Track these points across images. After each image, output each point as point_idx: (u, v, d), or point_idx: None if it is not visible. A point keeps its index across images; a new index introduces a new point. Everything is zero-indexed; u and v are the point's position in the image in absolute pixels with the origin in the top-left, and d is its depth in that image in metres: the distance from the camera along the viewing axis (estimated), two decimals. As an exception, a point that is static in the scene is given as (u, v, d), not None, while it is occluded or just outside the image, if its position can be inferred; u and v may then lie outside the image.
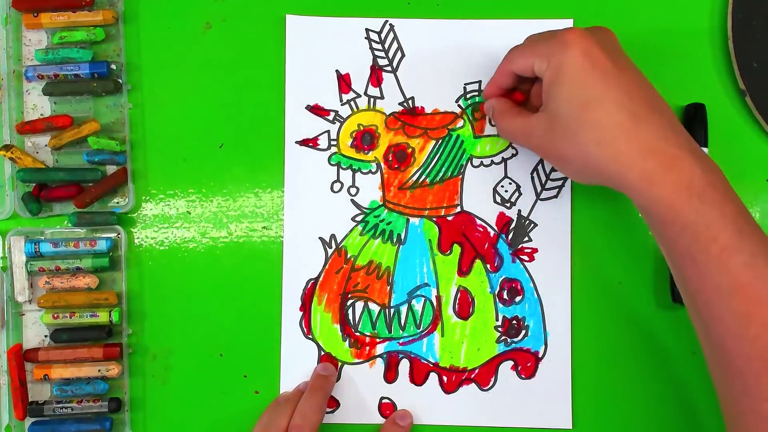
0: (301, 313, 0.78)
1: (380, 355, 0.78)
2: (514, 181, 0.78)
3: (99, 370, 0.77)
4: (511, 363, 0.77)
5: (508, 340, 0.77)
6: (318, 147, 0.79)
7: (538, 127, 0.67)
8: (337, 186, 0.78)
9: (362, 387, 0.78)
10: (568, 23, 0.78)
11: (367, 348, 0.78)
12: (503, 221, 0.78)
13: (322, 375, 0.77)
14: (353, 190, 0.78)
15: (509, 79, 0.72)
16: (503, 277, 0.78)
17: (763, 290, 0.58)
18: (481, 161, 0.78)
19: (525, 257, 0.78)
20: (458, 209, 0.78)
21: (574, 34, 0.63)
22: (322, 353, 0.78)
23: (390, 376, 0.78)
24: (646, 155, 0.60)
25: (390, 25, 0.79)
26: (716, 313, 0.60)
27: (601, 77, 0.62)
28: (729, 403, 0.62)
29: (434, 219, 0.78)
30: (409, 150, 0.78)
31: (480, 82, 0.78)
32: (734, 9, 0.77)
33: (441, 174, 0.78)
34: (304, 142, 0.79)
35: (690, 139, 0.63)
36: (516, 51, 0.70)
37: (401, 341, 0.78)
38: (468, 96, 0.78)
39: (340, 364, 0.78)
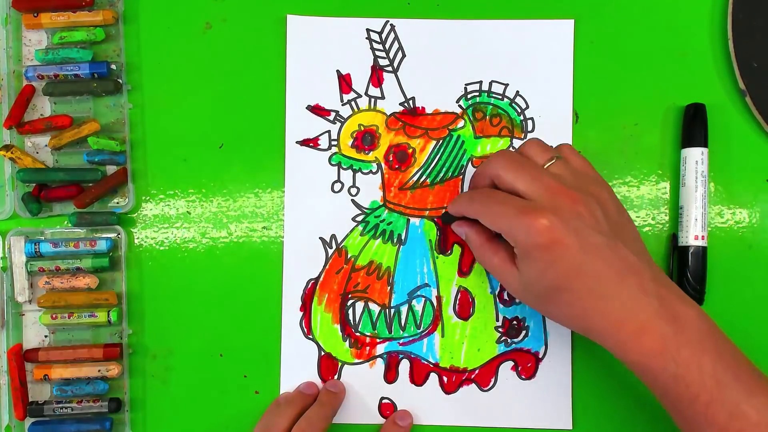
0: (302, 313, 0.78)
1: (380, 356, 0.78)
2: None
3: (99, 370, 0.77)
4: (511, 363, 0.77)
5: (509, 340, 0.77)
6: (318, 147, 0.79)
7: (513, 282, 0.67)
8: (337, 186, 0.78)
9: (362, 387, 0.78)
10: (569, 24, 0.78)
11: (368, 348, 0.78)
12: (504, 221, 0.78)
13: (332, 392, 0.77)
14: (354, 191, 0.78)
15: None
16: (504, 277, 0.78)
17: None
18: (482, 161, 0.78)
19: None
20: (459, 209, 0.78)
21: (539, 225, 0.62)
22: (323, 353, 0.78)
23: (390, 376, 0.78)
24: (617, 328, 0.62)
25: (391, 25, 0.79)
26: None
27: (567, 267, 0.62)
28: None
29: (435, 219, 0.78)
30: (410, 150, 0.78)
31: (480, 82, 0.78)
32: (734, 9, 0.77)
33: (441, 174, 0.78)
34: (305, 142, 0.79)
35: (662, 291, 0.63)
36: (480, 211, 0.68)
37: (401, 341, 0.78)
38: (469, 96, 0.78)
39: (340, 364, 0.78)
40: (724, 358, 0.60)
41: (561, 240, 0.62)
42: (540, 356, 0.77)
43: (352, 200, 0.78)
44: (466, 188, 0.78)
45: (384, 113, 0.79)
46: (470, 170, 0.78)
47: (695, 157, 0.75)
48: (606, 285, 0.62)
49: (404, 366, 0.78)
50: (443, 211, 0.78)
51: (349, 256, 0.78)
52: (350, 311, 0.78)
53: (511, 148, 0.78)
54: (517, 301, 0.77)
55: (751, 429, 0.58)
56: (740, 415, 0.59)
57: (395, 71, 0.79)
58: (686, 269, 0.75)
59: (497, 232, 0.66)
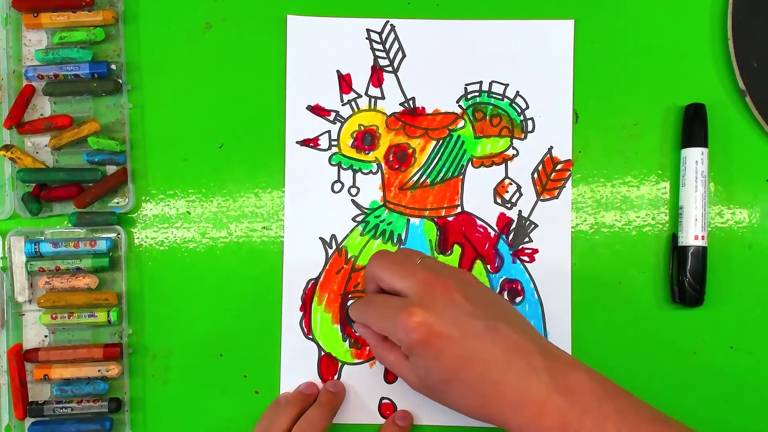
0: (302, 313, 0.78)
1: (380, 356, 0.78)
2: (514, 182, 0.78)
3: (99, 370, 0.77)
4: (511, 363, 0.77)
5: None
6: (319, 147, 0.79)
7: (410, 376, 0.67)
8: (337, 186, 0.78)
9: (362, 387, 0.78)
10: (569, 24, 0.78)
11: (368, 348, 0.78)
12: (504, 222, 0.78)
13: (332, 392, 0.77)
14: (354, 191, 0.78)
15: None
16: (504, 277, 0.78)
17: None
18: (482, 162, 0.78)
19: (525, 258, 0.78)
20: (459, 210, 0.78)
21: (414, 322, 0.63)
22: (323, 353, 0.78)
23: (390, 376, 0.78)
24: (514, 411, 0.61)
25: (391, 25, 0.79)
26: None
27: (452, 358, 0.62)
28: None
29: (435, 219, 0.78)
30: (410, 150, 0.78)
31: (481, 82, 0.78)
32: (734, 9, 0.77)
33: (441, 174, 0.78)
34: (305, 143, 0.79)
35: (556, 366, 0.62)
36: (365, 317, 0.70)
37: (401, 341, 0.78)
38: (469, 96, 0.78)
39: (340, 364, 0.78)
40: (626, 418, 0.60)
41: (439, 333, 0.62)
42: (540, 356, 0.77)
43: (352, 200, 0.78)
44: (466, 188, 0.78)
45: (384, 113, 0.79)
46: (470, 170, 0.78)
47: (695, 157, 0.75)
48: (495, 369, 0.62)
49: (404, 366, 0.78)
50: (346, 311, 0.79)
51: (349, 256, 0.78)
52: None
53: (511, 149, 0.78)
54: (517, 301, 0.77)
55: None
56: None
57: (395, 71, 0.79)
58: (686, 269, 0.75)
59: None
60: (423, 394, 0.68)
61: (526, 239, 0.78)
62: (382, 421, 0.78)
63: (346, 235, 0.78)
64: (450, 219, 0.78)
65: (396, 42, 0.79)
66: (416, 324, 0.62)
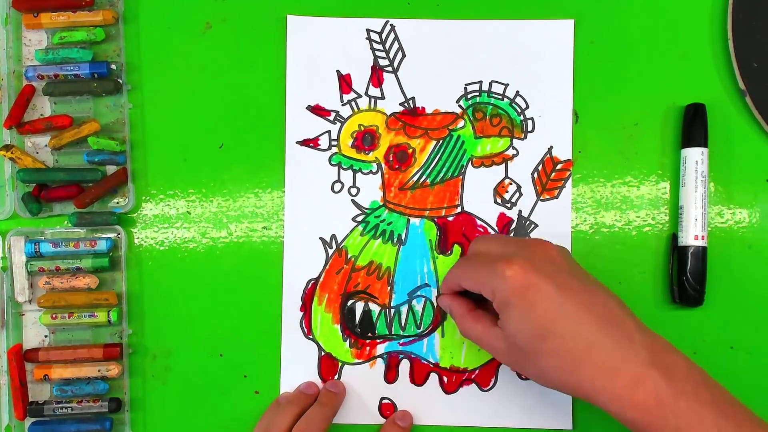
0: (302, 313, 0.78)
1: (380, 356, 0.78)
2: (514, 182, 0.78)
3: (99, 370, 0.77)
4: (511, 363, 0.77)
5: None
6: (319, 147, 0.79)
7: (498, 343, 0.66)
8: (337, 186, 0.78)
9: (362, 387, 0.78)
10: (569, 24, 0.78)
11: (368, 348, 0.78)
12: (504, 222, 0.78)
13: (332, 392, 0.77)
14: (354, 191, 0.78)
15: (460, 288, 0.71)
16: (504, 277, 0.78)
17: None
18: (482, 161, 0.78)
19: (525, 258, 0.78)
20: (459, 210, 0.78)
21: (513, 270, 0.62)
22: (323, 353, 0.78)
23: (390, 376, 0.78)
24: (609, 378, 0.60)
25: (391, 25, 0.79)
26: None
27: (547, 308, 0.61)
28: None
29: (435, 219, 0.78)
30: (410, 150, 0.78)
31: (481, 82, 0.78)
32: (734, 9, 0.77)
33: (441, 174, 0.78)
34: (305, 143, 0.79)
35: (650, 342, 0.62)
36: (460, 273, 0.69)
37: (401, 341, 0.78)
38: (469, 96, 0.78)
39: (340, 364, 0.78)
40: (724, 409, 0.59)
41: (536, 283, 0.62)
42: (540, 356, 0.77)
43: (352, 200, 0.78)
44: (466, 188, 0.78)
45: (384, 113, 0.79)
46: (470, 170, 0.78)
47: (695, 157, 0.75)
48: (589, 330, 0.61)
49: (404, 366, 0.78)
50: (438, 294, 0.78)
51: (349, 257, 0.78)
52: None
53: (511, 149, 0.78)
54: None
55: None
56: None
57: (395, 71, 0.79)
58: (686, 269, 0.75)
59: (479, 293, 0.66)
60: (510, 365, 0.68)
61: (527, 239, 0.78)
62: (382, 421, 0.78)
63: (346, 235, 0.79)
64: (450, 219, 0.78)
65: (396, 42, 0.79)
66: (515, 272, 0.62)
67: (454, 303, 0.71)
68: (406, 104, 0.79)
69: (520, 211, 0.78)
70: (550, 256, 0.65)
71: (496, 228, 0.78)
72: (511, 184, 0.78)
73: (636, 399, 0.59)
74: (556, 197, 0.78)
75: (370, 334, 0.78)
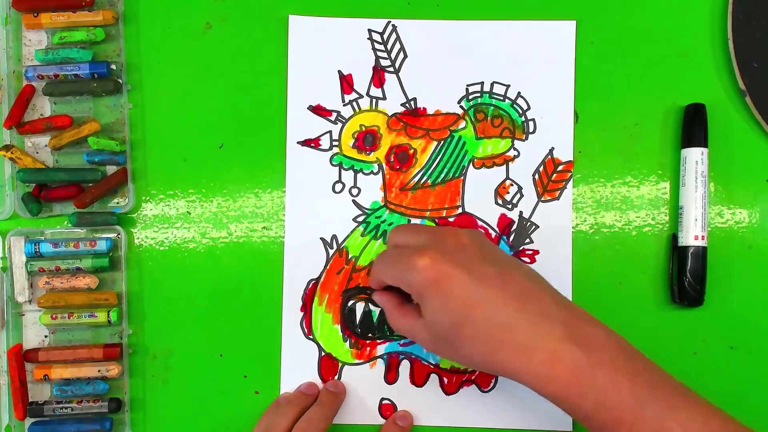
0: (302, 313, 0.78)
1: (381, 356, 0.78)
2: (515, 183, 0.78)
3: (99, 371, 0.77)
4: (512, 364, 0.77)
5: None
6: (320, 147, 0.79)
7: (423, 334, 0.67)
8: (338, 186, 0.78)
9: (363, 388, 0.78)
10: (570, 24, 0.78)
11: (368, 349, 0.78)
12: (504, 223, 0.78)
13: (332, 392, 0.77)
14: (355, 191, 0.78)
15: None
16: (504, 278, 0.78)
17: None
18: (483, 162, 0.78)
19: (526, 259, 0.77)
20: (460, 210, 0.78)
21: (425, 261, 0.63)
22: (323, 354, 0.78)
23: (390, 376, 0.78)
24: (528, 356, 0.60)
25: (392, 25, 0.79)
26: None
27: (462, 298, 0.62)
28: None
29: (436, 220, 0.78)
30: (411, 151, 0.78)
31: (482, 83, 0.78)
32: (734, 9, 0.77)
33: (442, 175, 0.78)
34: (306, 143, 0.79)
35: (567, 316, 0.62)
36: (380, 270, 0.70)
37: (402, 342, 0.78)
38: (470, 97, 0.78)
39: (340, 364, 0.78)
40: (641, 376, 0.60)
41: (448, 273, 0.62)
42: (540, 357, 0.77)
43: (353, 201, 0.78)
44: (467, 189, 0.78)
45: (385, 114, 0.79)
46: (471, 171, 0.78)
47: (695, 157, 0.75)
48: (505, 312, 0.61)
49: (404, 367, 0.78)
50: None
51: (349, 257, 0.78)
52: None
53: (512, 150, 0.78)
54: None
55: None
56: (666, 429, 0.58)
57: (397, 72, 0.79)
58: (686, 269, 0.75)
59: (397, 286, 0.67)
60: (437, 353, 0.69)
61: (527, 240, 0.78)
62: (382, 421, 0.78)
63: (347, 236, 0.78)
64: (451, 220, 0.78)
65: (397, 42, 0.79)
66: (426, 263, 0.62)
67: (383, 299, 0.72)
68: (407, 105, 0.79)
69: (521, 212, 0.78)
70: (461, 244, 0.65)
71: (497, 229, 0.78)
72: (512, 185, 0.78)
73: (554, 374, 0.59)
74: (557, 198, 0.78)
75: (370, 335, 0.78)
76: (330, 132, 0.79)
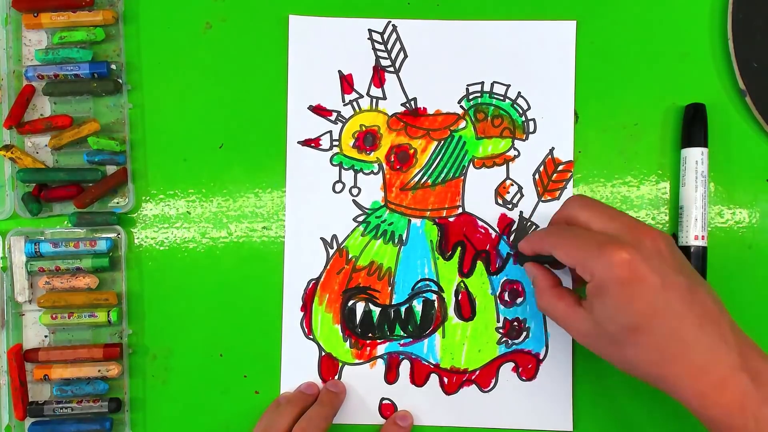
0: (302, 313, 0.78)
1: (381, 356, 0.78)
2: (515, 183, 0.78)
3: (99, 370, 0.77)
4: (511, 365, 0.77)
5: (509, 341, 0.78)
6: (320, 147, 0.79)
7: (582, 325, 0.65)
8: (338, 186, 0.78)
9: (363, 387, 0.78)
10: (571, 25, 0.78)
11: (368, 349, 0.78)
12: (505, 223, 0.78)
13: (332, 392, 0.77)
14: (355, 191, 0.78)
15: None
16: (504, 278, 0.78)
17: None
18: (483, 162, 0.78)
19: (526, 258, 0.78)
20: (460, 210, 0.78)
21: (621, 257, 0.60)
22: (323, 353, 0.78)
23: (391, 376, 0.78)
24: (698, 377, 0.59)
25: (393, 25, 0.79)
26: None
27: (647, 303, 0.60)
28: None
29: (436, 220, 0.78)
30: (411, 151, 0.78)
31: (482, 83, 0.78)
32: (734, 9, 0.77)
33: (443, 175, 0.78)
34: (306, 143, 0.79)
35: (742, 346, 0.60)
36: (556, 243, 0.66)
37: (402, 342, 0.78)
38: (470, 97, 0.78)
39: (340, 364, 0.78)
40: None
41: (642, 276, 0.60)
42: (541, 357, 0.77)
43: (354, 200, 0.78)
44: (467, 189, 0.78)
45: (386, 114, 0.79)
46: (471, 171, 0.78)
47: (695, 157, 0.75)
48: (687, 329, 0.60)
49: (405, 367, 0.78)
50: (516, 251, 0.77)
51: (350, 257, 0.78)
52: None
53: (512, 150, 0.78)
54: (518, 302, 0.78)
55: None
56: None
57: (397, 72, 0.79)
58: (686, 269, 0.75)
59: (571, 266, 0.65)
60: (589, 347, 0.66)
61: (528, 240, 0.78)
62: (382, 421, 0.78)
63: (347, 236, 0.78)
64: (451, 219, 0.78)
65: (398, 42, 0.79)
66: (623, 260, 0.60)
67: (538, 273, 0.70)
68: (407, 105, 0.79)
69: (521, 212, 0.78)
70: (658, 248, 0.63)
71: (497, 229, 0.78)
72: (512, 185, 0.78)
73: (722, 400, 0.58)
74: (558, 198, 0.78)
75: (370, 335, 0.78)
76: (330, 132, 0.79)
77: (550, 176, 0.78)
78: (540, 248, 0.69)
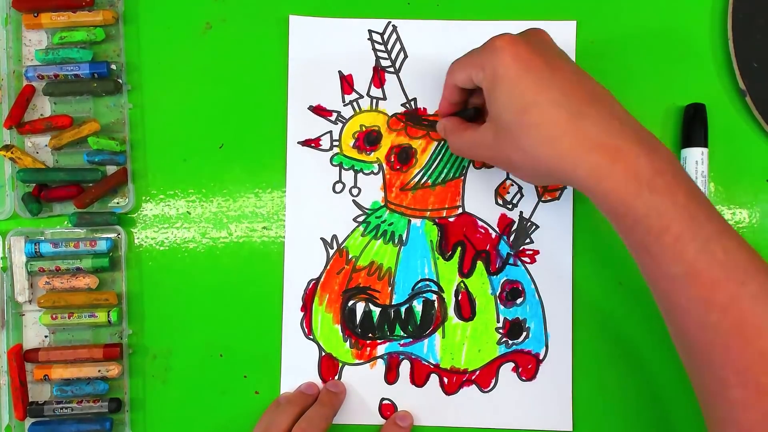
0: (302, 313, 0.78)
1: (381, 356, 0.78)
2: (515, 183, 0.78)
3: (99, 371, 0.77)
4: (511, 365, 0.77)
5: (509, 341, 0.78)
6: (320, 147, 0.79)
7: (485, 137, 0.67)
8: (339, 186, 0.78)
9: (363, 388, 0.78)
10: (571, 25, 0.78)
11: (368, 349, 0.78)
12: (505, 223, 0.78)
13: (333, 392, 0.77)
14: (355, 191, 0.78)
15: (456, 94, 0.72)
16: (504, 278, 0.78)
17: (719, 275, 0.57)
18: (483, 162, 0.78)
19: (526, 259, 0.78)
20: (460, 210, 0.78)
21: (503, 40, 0.63)
22: (323, 354, 0.78)
23: (391, 377, 0.78)
24: (590, 150, 0.60)
25: (393, 26, 0.78)
26: (677, 301, 0.60)
27: (534, 79, 0.62)
28: (700, 388, 0.62)
29: (436, 220, 0.78)
30: (411, 151, 0.78)
31: (483, 83, 0.78)
32: (734, 9, 0.77)
33: (443, 175, 0.78)
34: (307, 143, 0.79)
35: (636, 126, 0.62)
36: (455, 64, 0.70)
37: (402, 342, 0.78)
38: (470, 97, 0.78)
39: (340, 364, 0.78)
40: (697, 197, 0.60)
41: (525, 56, 0.62)
42: (540, 357, 0.77)
43: (354, 201, 0.78)
44: (467, 189, 0.78)
45: (386, 114, 0.79)
46: (471, 171, 0.78)
47: (695, 157, 0.75)
48: (576, 101, 0.61)
49: (405, 367, 0.78)
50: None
51: (350, 257, 0.78)
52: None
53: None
54: (518, 302, 0.78)
55: (717, 267, 0.57)
56: (708, 252, 0.58)
57: (397, 72, 0.79)
58: (686, 269, 0.75)
59: (471, 84, 0.68)
60: (496, 159, 0.68)
61: (527, 240, 0.78)
62: (382, 421, 0.78)
63: (347, 236, 0.78)
64: (451, 220, 0.78)
65: (398, 43, 0.79)
66: (505, 42, 0.63)
67: (448, 120, 0.73)
68: (407, 105, 0.79)
69: (521, 212, 0.78)
70: (544, 39, 0.66)
71: (497, 229, 0.78)
72: (512, 185, 0.78)
73: (615, 171, 0.59)
74: (558, 198, 0.78)
75: (370, 335, 0.78)
76: (330, 132, 0.79)
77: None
78: (448, 90, 0.72)
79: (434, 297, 0.78)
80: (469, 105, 0.74)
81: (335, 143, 0.79)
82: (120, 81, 0.78)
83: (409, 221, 0.78)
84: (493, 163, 0.73)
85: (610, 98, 0.64)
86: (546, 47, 0.65)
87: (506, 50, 0.62)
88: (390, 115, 0.79)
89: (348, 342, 0.78)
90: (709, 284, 0.58)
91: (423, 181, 0.78)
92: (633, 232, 0.60)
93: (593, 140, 0.60)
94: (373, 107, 0.79)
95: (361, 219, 0.78)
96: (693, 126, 0.76)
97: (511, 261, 0.78)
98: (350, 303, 0.78)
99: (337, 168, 0.79)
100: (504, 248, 0.78)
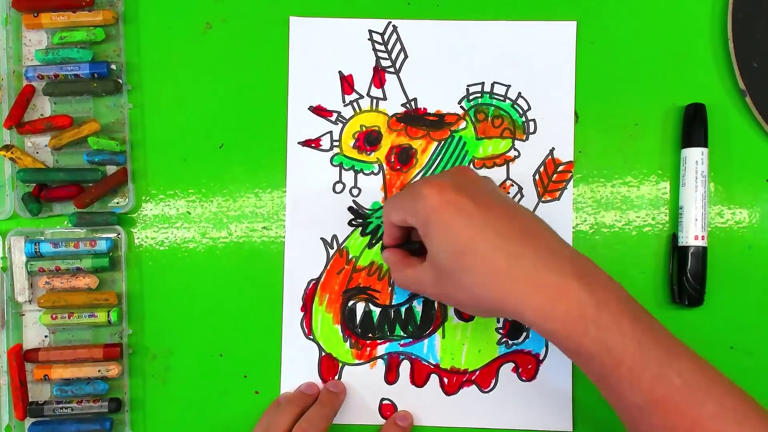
0: (302, 313, 0.78)
1: (381, 356, 0.78)
2: (516, 183, 0.78)
3: (99, 371, 0.77)
4: (511, 365, 0.77)
5: (509, 342, 0.78)
6: (320, 148, 0.79)
7: (426, 276, 0.67)
8: (339, 187, 0.78)
9: (363, 388, 0.78)
10: (571, 25, 0.78)
11: (368, 349, 0.78)
12: (505, 223, 0.78)
13: (333, 392, 0.77)
14: (355, 191, 0.78)
15: (396, 230, 0.72)
16: (505, 278, 0.78)
17: (678, 401, 0.58)
18: (484, 163, 0.78)
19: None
20: (460, 210, 0.78)
21: (429, 187, 0.63)
22: (323, 354, 0.78)
23: (391, 377, 0.78)
24: (532, 291, 0.60)
25: (393, 26, 0.78)
26: (642, 428, 0.60)
27: (466, 222, 0.62)
28: None
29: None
30: (412, 151, 0.78)
31: (483, 83, 0.78)
32: (734, 9, 0.77)
33: (443, 175, 0.78)
34: (307, 143, 0.79)
35: (572, 255, 0.62)
36: (389, 205, 0.70)
37: (402, 342, 0.78)
38: (471, 98, 0.78)
39: (341, 364, 0.78)
40: (643, 322, 0.60)
41: (453, 199, 0.63)
42: (540, 358, 0.77)
43: (354, 201, 0.78)
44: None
45: (386, 114, 0.79)
46: (472, 171, 0.78)
47: (695, 157, 0.75)
48: (511, 242, 0.61)
49: (405, 367, 0.78)
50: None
51: (350, 257, 0.78)
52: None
53: (512, 150, 0.78)
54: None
55: (675, 393, 0.58)
56: (664, 379, 0.58)
57: (397, 72, 0.79)
58: (686, 269, 0.75)
59: (406, 223, 0.67)
60: (440, 296, 0.68)
61: (528, 240, 0.78)
62: (382, 421, 0.78)
63: (348, 236, 0.78)
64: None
65: (398, 43, 0.79)
66: (433, 189, 0.63)
67: (390, 253, 0.73)
68: (407, 105, 0.79)
69: (521, 212, 0.78)
70: (471, 178, 0.66)
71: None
72: (512, 185, 0.78)
73: (558, 309, 0.59)
74: (558, 199, 0.78)
75: (370, 335, 0.78)
76: (330, 132, 0.79)
77: (551, 177, 0.78)
78: (387, 228, 0.72)
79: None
80: (414, 236, 0.74)
81: (335, 143, 0.79)
82: (120, 81, 0.78)
83: (409, 221, 0.78)
84: (437, 300, 0.75)
85: (543, 229, 0.64)
86: (474, 187, 0.65)
87: (434, 197, 0.63)
88: (390, 115, 0.79)
89: (348, 342, 0.78)
90: (669, 411, 0.58)
91: (423, 181, 0.78)
92: (588, 366, 0.61)
93: (533, 280, 0.60)
94: (374, 107, 0.79)
95: (355, 224, 0.79)
96: (693, 126, 0.76)
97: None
98: (350, 303, 0.78)
99: (338, 168, 0.79)
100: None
